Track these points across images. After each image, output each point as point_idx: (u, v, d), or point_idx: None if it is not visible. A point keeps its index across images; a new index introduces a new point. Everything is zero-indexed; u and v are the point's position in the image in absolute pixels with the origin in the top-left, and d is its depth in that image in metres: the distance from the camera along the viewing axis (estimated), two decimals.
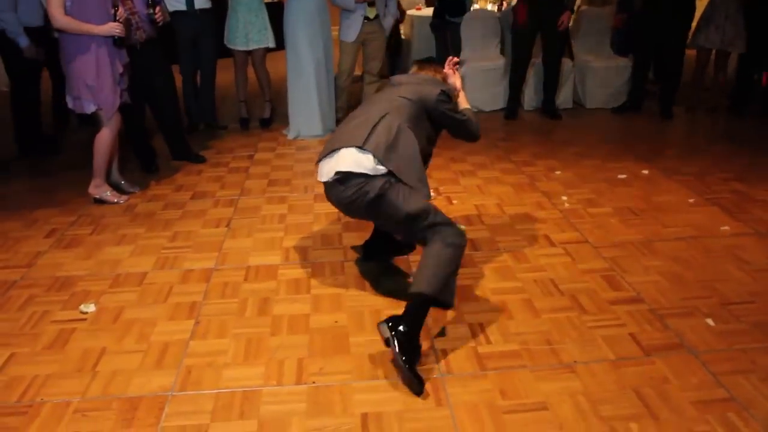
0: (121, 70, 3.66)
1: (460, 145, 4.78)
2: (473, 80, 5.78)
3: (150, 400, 2.10)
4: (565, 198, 3.78)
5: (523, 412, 2.00)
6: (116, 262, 3.09)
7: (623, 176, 4.14)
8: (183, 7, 4.86)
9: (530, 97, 6.01)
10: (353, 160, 2.32)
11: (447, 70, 2.78)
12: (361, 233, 3.23)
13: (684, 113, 5.77)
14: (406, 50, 7.20)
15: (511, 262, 2.99)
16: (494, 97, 5.97)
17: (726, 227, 3.35)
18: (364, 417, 1.99)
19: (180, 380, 2.19)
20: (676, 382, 2.13)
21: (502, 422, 1.96)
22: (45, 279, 2.94)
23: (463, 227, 3.36)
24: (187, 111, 5.35)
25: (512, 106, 5.76)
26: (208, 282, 2.87)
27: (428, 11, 6.91)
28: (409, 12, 7.32)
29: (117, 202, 3.82)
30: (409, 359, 2.10)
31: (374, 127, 2.37)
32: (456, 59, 2.83)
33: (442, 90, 2.55)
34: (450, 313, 2.55)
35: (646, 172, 4.22)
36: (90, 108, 3.60)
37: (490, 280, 2.83)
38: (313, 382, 2.17)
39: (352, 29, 5.08)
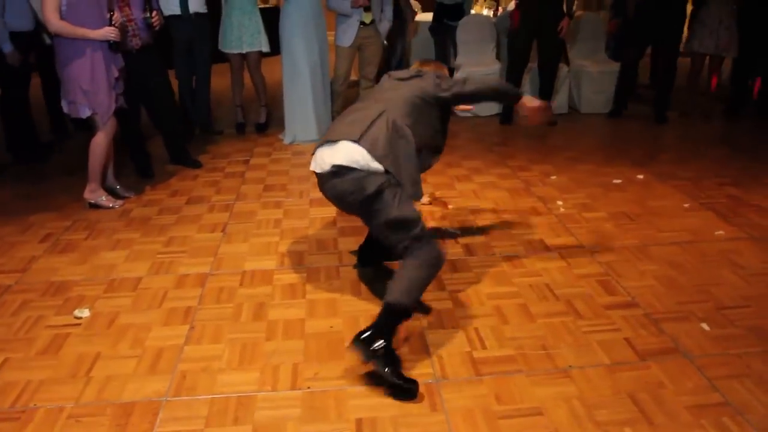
0: (116, 74, 3.65)
1: (456, 150, 4.79)
2: None
3: (144, 405, 2.09)
4: (560, 203, 3.78)
5: (519, 417, 2.00)
6: (111, 267, 3.08)
7: (618, 181, 4.15)
8: (178, 11, 4.85)
9: None
10: (349, 154, 2.31)
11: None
12: (356, 238, 3.22)
13: (678, 118, 5.79)
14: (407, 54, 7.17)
15: (506, 267, 2.99)
16: (490, 102, 5.97)
17: (721, 232, 3.36)
18: (359, 422, 1.99)
19: (174, 385, 2.19)
20: (671, 387, 2.13)
21: (497, 427, 1.96)
22: (39, 284, 2.93)
23: (458, 232, 3.37)
24: (185, 115, 5.34)
25: (508, 112, 5.77)
26: (203, 287, 2.87)
27: (427, 16, 6.91)
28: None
29: (112, 207, 3.81)
30: (394, 369, 2.07)
31: (372, 123, 2.36)
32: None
33: (436, 75, 2.55)
34: (445, 318, 2.55)
35: (641, 176, 4.23)
36: (85, 112, 3.60)
37: (486, 285, 2.83)
38: (308, 388, 2.16)
39: (348, 34, 5.08)
